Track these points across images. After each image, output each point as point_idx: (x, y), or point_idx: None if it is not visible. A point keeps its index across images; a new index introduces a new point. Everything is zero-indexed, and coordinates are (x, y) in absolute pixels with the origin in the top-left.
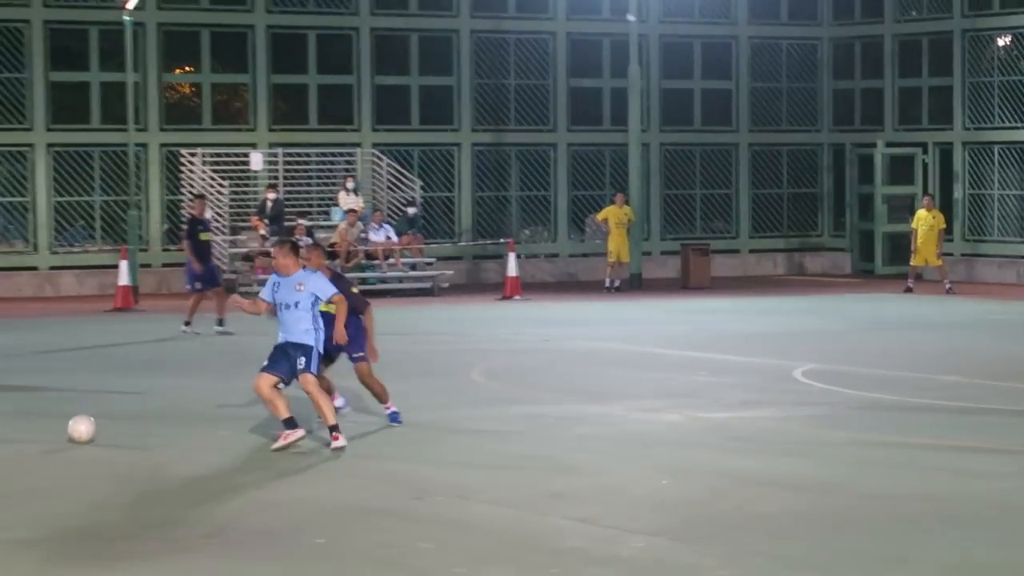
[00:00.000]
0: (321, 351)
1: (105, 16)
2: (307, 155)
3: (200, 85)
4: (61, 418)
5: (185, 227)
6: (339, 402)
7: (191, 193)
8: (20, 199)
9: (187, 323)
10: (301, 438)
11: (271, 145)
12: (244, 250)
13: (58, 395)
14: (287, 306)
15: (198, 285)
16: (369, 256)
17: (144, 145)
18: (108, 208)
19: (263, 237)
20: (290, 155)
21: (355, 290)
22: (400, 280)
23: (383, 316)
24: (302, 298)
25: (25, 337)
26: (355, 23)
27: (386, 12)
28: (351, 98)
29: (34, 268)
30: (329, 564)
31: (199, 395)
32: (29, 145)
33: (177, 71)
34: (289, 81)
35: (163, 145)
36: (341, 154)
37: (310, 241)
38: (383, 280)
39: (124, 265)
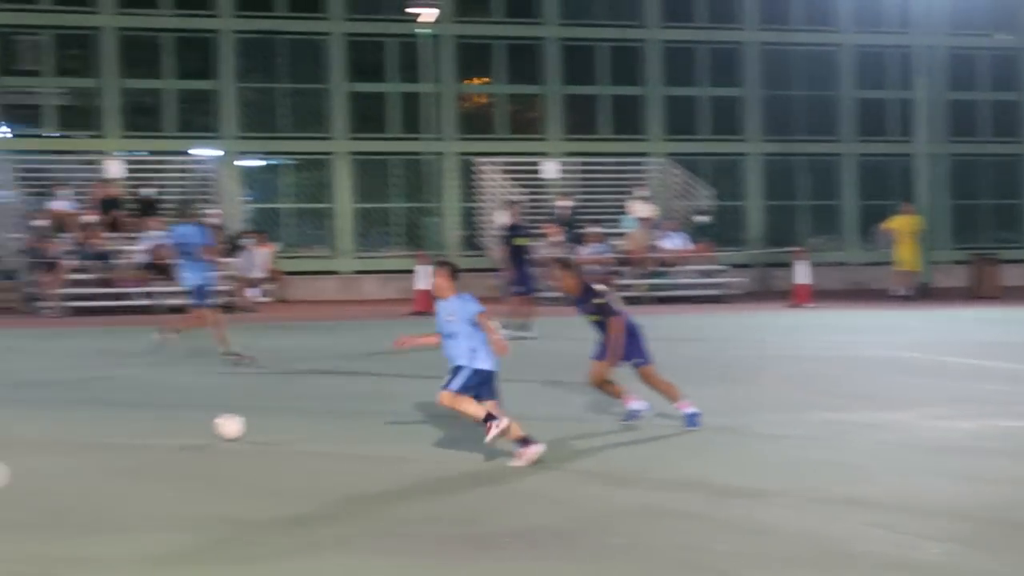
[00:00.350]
0: (476, 367)
1: (403, 29)
2: (598, 164)
3: (494, 95)
4: (370, 417)
5: (502, 234)
6: (639, 404)
7: (487, 200)
8: (322, 205)
9: (523, 327)
10: (504, 428)
11: (563, 154)
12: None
13: (365, 397)
14: (445, 335)
15: (520, 289)
16: (663, 263)
17: (440, 154)
18: (406, 214)
19: (556, 244)
20: (582, 164)
21: (599, 301)
22: (691, 286)
23: (674, 323)
24: (455, 327)
25: (330, 339)
26: (644, 35)
27: (676, 25)
28: (641, 109)
29: (336, 272)
30: (628, 564)
31: None
32: (330, 153)
33: (470, 82)
34: (580, 92)
35: (459, 154)
36: (632, 163)
37: (603, 249)
38: (675, 286)
39: (422, 269)
